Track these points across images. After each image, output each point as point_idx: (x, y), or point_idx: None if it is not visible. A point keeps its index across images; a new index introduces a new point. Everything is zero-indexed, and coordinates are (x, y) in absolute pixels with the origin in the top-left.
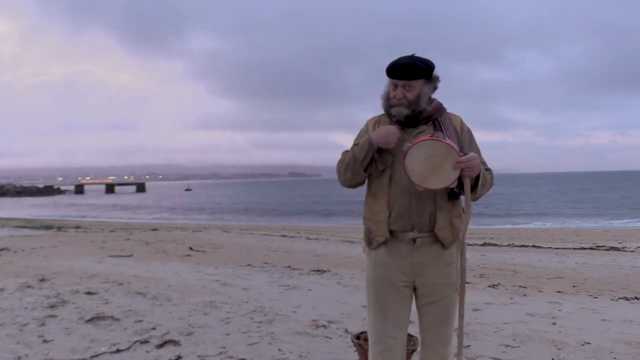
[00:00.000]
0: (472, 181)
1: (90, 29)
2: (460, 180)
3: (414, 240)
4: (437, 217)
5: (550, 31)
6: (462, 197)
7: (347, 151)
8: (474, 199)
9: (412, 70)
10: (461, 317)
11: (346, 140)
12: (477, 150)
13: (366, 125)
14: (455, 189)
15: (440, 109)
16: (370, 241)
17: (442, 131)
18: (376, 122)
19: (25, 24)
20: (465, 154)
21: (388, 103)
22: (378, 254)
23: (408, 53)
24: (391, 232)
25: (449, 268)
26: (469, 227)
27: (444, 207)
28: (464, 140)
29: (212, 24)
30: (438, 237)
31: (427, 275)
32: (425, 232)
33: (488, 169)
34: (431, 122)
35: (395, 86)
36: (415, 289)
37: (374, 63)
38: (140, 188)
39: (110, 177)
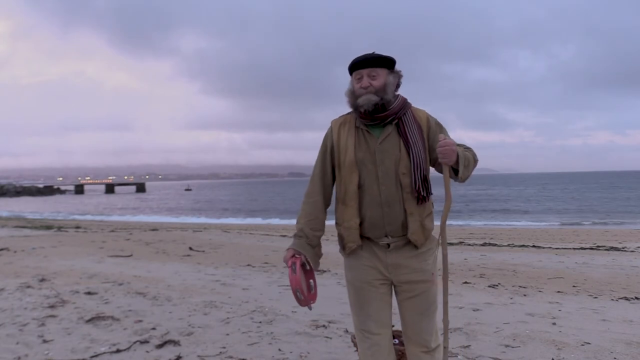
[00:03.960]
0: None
1: (80, 30)
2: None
3: (388, 245)
4: (408, 223)
5: (544, 31)
6: (432, 196)
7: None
8: (462, 181)
9: (374, 59)
10: (445, 303)
11: None
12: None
13: (330, 128)
14: (422, 193)
15: (405, 104)
16: (343, 247)
17: (406, 134)
18: (340, 125)
19: (19, 24)
20: (442, 140)
21: (354, 95)
22: (354, 255)
23: (402, 53)
24: (365, 237)
25: (424, 264)
26: (448, 221)
27: (414, 212)
28: (435, 136)
29: (201, 23)
30: (410, 240)
31: (402, 274)
32: (398, 236)
33: (468, 148)
34: (395, 122)
35: (360, 78)
36: (394, 285)
37: None
38: (140, 188)
39: (110, 177)
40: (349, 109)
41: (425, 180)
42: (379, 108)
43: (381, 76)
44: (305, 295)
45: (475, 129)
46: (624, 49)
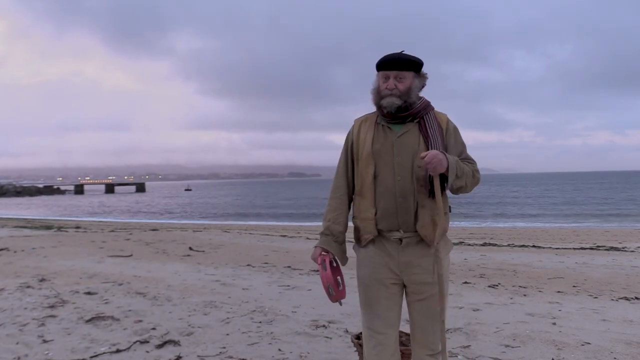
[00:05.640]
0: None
1: (76, 30)
2: (431, 181)
3: (400, 240)
4: (419, 215)
5: (543, 31)
6: (449, 194)
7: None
8: (454, 191)
9: (403, 62)
10: (442, 322)
11: (342, 141)
12: (462, 146)
13: (352, 126)
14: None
15: (427, 106)
16: (359, 239)
17: (427, 130)
18: (362, 122)
19: (13, 24)
20: (427, 154)
21: (379, 95)
22: (367, 252)
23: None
24: (378, 231)
25: (437, 266)
26: (450, 225)
27: (426, 205)
28: (449, 139)
29: (196, 23)
30: (420, 235)
31: (414, 274)
32: (410, 231)
33: (471, 162)
34: (417, 121)
35: (386, 78)
36: (405, 286)
37: (365, 63)
38: (140, 188)
39: (110, 177)
40: (348, 109)
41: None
42: (401, 109)
43: (407, 79)
44: (336, 292)
45: (475, 129)
46: (623, 49)
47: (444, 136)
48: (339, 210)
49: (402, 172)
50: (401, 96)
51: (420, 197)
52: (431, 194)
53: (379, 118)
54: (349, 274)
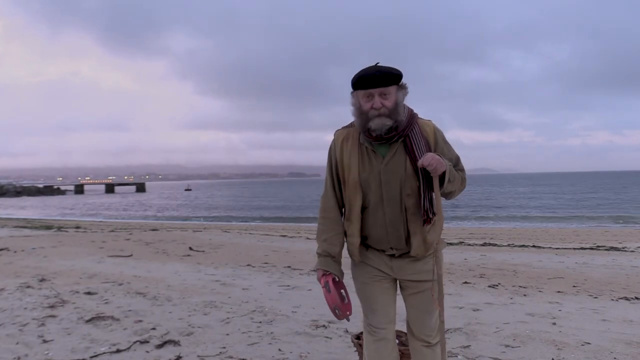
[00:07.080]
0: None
1: (72, 31)
2: (426, 177)
3: (392, 255)
4: (411, 243)
5: (541, 31)
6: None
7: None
8: (445, 195)
9: (385, 77)
10: (442, 322)
11: None
12: (454, 154)
13: (333, 141)
14: (430, 215)
15: (412, 118)
16: (351, 256)
17: (413, 150)
18: (344, 140)
19: (9, 25)
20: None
21: (365, 117)
22: (360, 258)
23: (395, 53)
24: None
25: (428, 265)
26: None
27: (417, 232)
28: (440, 150)
29: (192, 23)
30: (412, 254)
31: (406, 275)
32: (403, 249)
33: (461, 169)
34: (402, 140)
35: (370, 97)
36: (399, 282)
37: (362, 63)
38: (140, 188)
39: (110, 177)
40: (345, 109)
41: (431, 200)
42: (390, 129)
43: (392, 95)
44: (342, 310)
45: (474, 129)
46: (622, 49)
47: (434, 150)
48: (334, 230)
49: (391, 204)
50: (390, 115)
51: (411, 226)
52: (425, 222)
53: (361, 137)
54: (347, 275)
